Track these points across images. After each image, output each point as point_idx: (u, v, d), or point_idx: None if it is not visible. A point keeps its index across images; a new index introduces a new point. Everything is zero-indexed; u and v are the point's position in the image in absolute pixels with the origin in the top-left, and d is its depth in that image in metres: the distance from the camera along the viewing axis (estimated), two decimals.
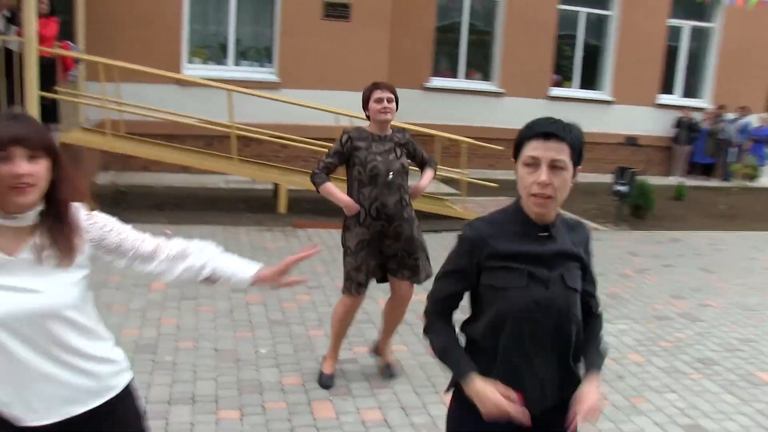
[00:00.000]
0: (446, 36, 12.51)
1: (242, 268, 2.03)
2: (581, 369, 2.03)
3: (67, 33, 8.58)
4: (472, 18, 12.63)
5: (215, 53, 10.61)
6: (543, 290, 1.87)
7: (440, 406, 3.76)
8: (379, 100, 3.84)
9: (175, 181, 9.60)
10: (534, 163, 1.81)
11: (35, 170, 1.68)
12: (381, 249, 3.95)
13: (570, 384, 1.96)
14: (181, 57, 10.21)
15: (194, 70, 10.08)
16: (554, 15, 12.86)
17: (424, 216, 7.67)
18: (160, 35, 9.78)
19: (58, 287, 1.76)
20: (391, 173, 3.85)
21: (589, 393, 1.90)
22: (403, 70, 11.14)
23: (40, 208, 1.75)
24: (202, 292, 5.41)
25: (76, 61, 8.44)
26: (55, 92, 7.69)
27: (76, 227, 1.81)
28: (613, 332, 5.17)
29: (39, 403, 1.78)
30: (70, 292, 1.78)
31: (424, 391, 4.04)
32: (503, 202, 2.04)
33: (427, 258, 4.08)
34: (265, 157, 9.31)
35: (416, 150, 4.13)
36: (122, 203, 8.10)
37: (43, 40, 7.44)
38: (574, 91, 13.55)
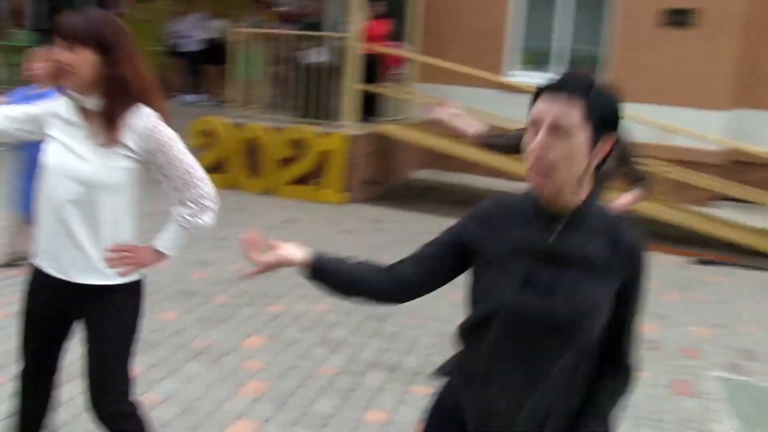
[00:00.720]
0: None
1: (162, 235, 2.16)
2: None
3: (403, 35, 9.24)
4: None
5: (545, 62, 10.42)
6: (538, 300, 1.38)
7: None
8: None
9: (488, 185, 9.64)
10: (536, 127, 1.35)
11: (72, 59, 1.93)
12: None
13: None
14: (509, 64, 10.24)
15: (523, 78, 10.01)
16: None
17: (750, 252, 6.51)
18: (489, 42, 9.94)
19: (98, 164, 2.00)
20: None
21: None
22: (756, 87, 9.55)
23: (101, 95, 1.99)
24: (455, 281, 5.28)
25: (403, 60, 9.02)
26: (378, 88, 8.33)
27: (125, 121, 2.00)
28: None
29: (60, 259, 2.06)
30: (107, 173, 2.00)
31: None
32: None
33: None
34: None
35: (627, 159, 3.42)
36: (427, 197, 8.44)
37: (372, 39, 8.12)
38: None
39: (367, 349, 3.87)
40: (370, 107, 8.46)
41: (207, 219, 2.14)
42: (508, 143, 3.40)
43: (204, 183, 2.11)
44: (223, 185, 7.79)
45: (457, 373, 1.57)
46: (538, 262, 1.39)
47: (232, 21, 9.47)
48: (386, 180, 8.80)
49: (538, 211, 1.41)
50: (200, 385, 3.31)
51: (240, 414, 3.08)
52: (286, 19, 9.90)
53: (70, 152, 2.02)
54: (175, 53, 10.55)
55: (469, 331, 1.52)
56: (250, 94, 8.67)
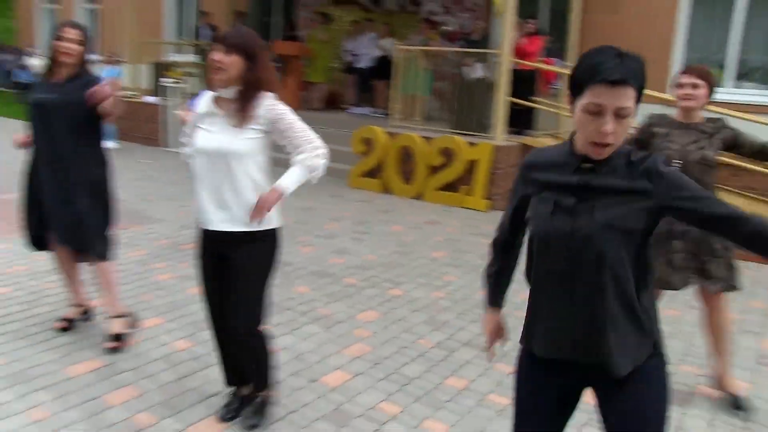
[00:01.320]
0: None
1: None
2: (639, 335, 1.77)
3: (559, 51, 9.42)
4: None
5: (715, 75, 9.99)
6: (566, 220, 1.73)
7: None
8: (681, 86, 3.42)
9: None
10: (598, 111, 1.63)
11: (225, 60, 2.58)
12: (668, 250, 3.46)
13: (604, 342, 1.74)
14: (671, 77, 9.96)
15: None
16: None
17: None
18: (652, 55, 9.77)
19: (232, 138, 2.67)
20: (678, 161, 3.35)
21: None
22: None
23: (238, 87, 2.65)
24: None
25: (558, 75, 9.20)
26: (531, 102, 8.61)
27: (255, 105, 2.64)
28: None
29: (213, 215, 2.74)
30: (239, 144, 2.67)
31: (718, 423, 3.38)
32: None
33: (729, 265, 3.42)
34: (757, 190, 8.31)
35: (740, 139, 3.44)
36: None
37: (526, 55, 8.45)
38: None
39: (466, 331, 4.27)
40: (525, 120, 8.76)
41: (319, 162, 2.72)
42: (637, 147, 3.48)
43: (315, 139, 2.73)
44: (377, 189, 8.51)
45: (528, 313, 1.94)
46: (567, 194, 1.73)
47: (401, 40, 10.21)
48: None
49: (572, 157, 1.74)
50: (312, 343, 3.93)
51: (338, 367, 3.64)
52: (451, 38, 10.48)
53: (210, 133, 2.70)
54: (349, 69, 11.55)
55: (527, 266, 1.90)
56: (412, 106, 9.33)
